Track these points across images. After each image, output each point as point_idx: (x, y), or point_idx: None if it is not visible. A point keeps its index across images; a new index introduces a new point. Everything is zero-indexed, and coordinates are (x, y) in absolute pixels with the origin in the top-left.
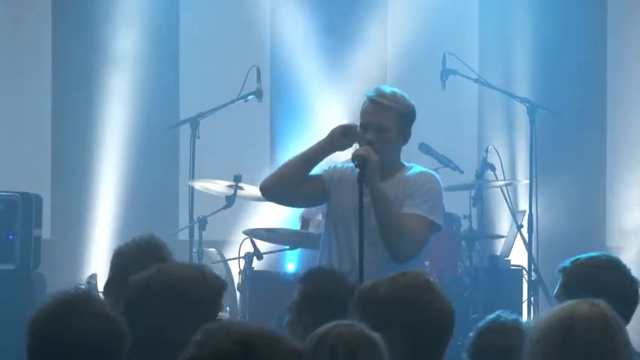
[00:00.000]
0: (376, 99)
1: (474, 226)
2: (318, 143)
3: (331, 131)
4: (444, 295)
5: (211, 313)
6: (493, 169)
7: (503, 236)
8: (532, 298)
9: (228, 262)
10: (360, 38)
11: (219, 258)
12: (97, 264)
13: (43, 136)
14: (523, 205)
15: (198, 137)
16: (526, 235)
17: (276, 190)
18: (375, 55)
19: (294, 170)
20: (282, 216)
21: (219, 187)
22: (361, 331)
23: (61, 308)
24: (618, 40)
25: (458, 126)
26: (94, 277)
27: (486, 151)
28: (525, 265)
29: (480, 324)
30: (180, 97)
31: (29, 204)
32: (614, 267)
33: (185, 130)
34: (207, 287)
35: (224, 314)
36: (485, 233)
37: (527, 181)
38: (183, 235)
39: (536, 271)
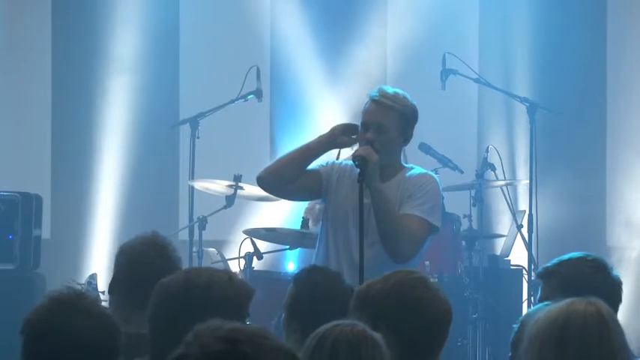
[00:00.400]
0: (378, 99)
1: (474, 226)
2: (318, 138)
3: (332, 127)
4: (438, 292)
5: (238, 319)
6: (493, 169)
7: (503, 236)
8: (532, 298)
9: (228, 262)
10: (360, 38)
11: (219, 258)
12: (97, 264)
13: (43, 137)
14: (523, 205)
15: (198, 137)
16: (526, 235)
17: (272, 181)
18: (374, 55)
19: (292, 163)
20: (282, 216)
21: (219, 187)
22: (362, 331)
23: (54, 307)
24: (618, 40)
25: (458, 126)
26: (94, 277)
27: (486, 151)
28: (525, 265)
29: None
30: (180, 97)
31: (29, 204)
32: (599, 267)
33: (185, 130)
34: (235, 293)
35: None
36: (485, 233)
37: (527, 181)
38: (183, 235)
39: (537, 270)
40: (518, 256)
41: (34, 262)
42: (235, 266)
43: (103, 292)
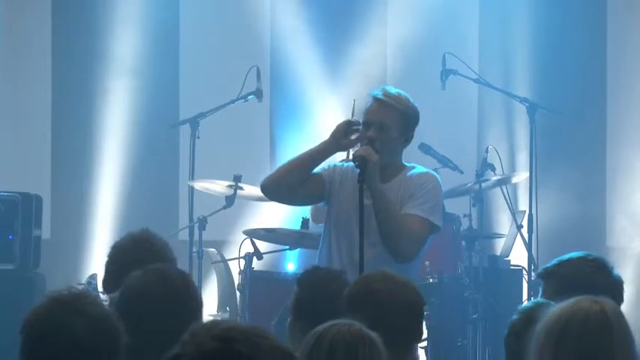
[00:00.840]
0: (380, 97)
1: (474, 226)
2: (321, 144)
3: (333, 131)
4: (407, 285)
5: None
6: (493, 169)
7: (503, 236)
8: (532, 298)
9: (228, 262)
10: (360, 38)
11: (219, 258)
12: (97, 264)
13: (43, 137)
14: (523, 205)
15: (198, 137)
16: (526, 236)
17: (277, 189)
18: (374, 55)
19: (296, 170)
20: (282, 216)
21: (219, 187)
22: (359, 330)
23: (54, 308)
24: (618, 40)
25: (458, 126)
26: (94, 277)
27: (486, 151)
28: (525, 265)
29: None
30: (180, 97)
31: (29, 204)
32: (599, 267)
33: (185, 130)
34: (171, 291)
35: (225, 314)
36: (485, 233)
37: (527, 174)
38: (183, 235)
39: (536, 271)
40: (518, 257)
41: (34, 262)
42: (235, 266)
43: (102, 292)
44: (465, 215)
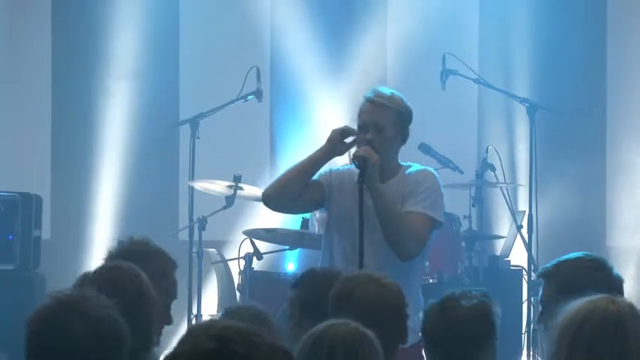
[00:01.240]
0: (375, 99)
1: (474, 227)
2: (318, 150)
3: (329, 136)
4: (384, 285)
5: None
6: (493, 169)
7: (503, 236)
8: (532, 299)
9: (228, 262)
10: (360, 38)
11: (219, 258)
12: (97, 264)
13: (43, 136)
14: (523, 205)
15: (198, 137)
16: (526, 235)
17: (281, 198)
18: (375, 56)
19: (297, 178)
20: (282, 216)
21: (219, 187)
22: (356, 329)
23: (57, 308)
24: (618, 40)
25: (458, 126)
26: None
27: (486, 151)
28: (525, 265)
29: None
30: (180, 97)
31: (29, 204)
32: (598, 266)
33: (185, 130)
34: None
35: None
36: (485, 233)
37: (527, 182)
38: (183, 236)
39: (536, 271)
40: (518, 257)
41: (34, 262)
42: (235, 266)
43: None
44: (465, 216)
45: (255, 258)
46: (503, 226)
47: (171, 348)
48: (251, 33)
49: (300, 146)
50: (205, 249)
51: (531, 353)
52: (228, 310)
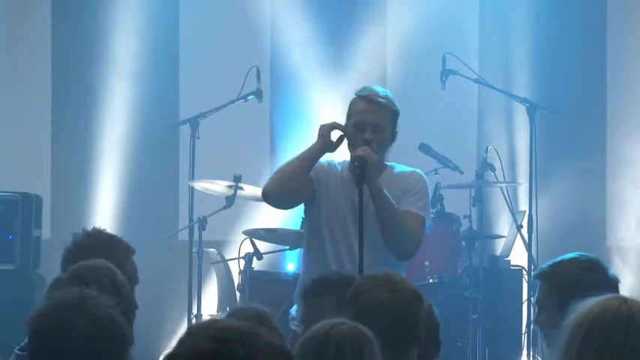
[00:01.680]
0: (372, 98)
1: (474, 226)
2: (312, 146)
3: (320, 132)
4: (402, 293)
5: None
6: (493, 169)
7: (503, 236)
8: (532, 298)
9: (228, 262)
10: (360, 38)
11: (219, 258)
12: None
13: (43, 137)
14: (523, 205)
15: (198, 137)
16: (526, 235)
17: (281, 196)
18: (375, 55)
19: (295, 175)
20: (282, 216)
21: (219, 187)
22: (358, 328)
23: (60, 307)
24: (618, 40)
25: (458, 126)
26: None
27: (486, 151)
28: (525, 265)
29: None
30: (180, 97)
31: (29, 204)
32: (592, 267)
33: (185, 130)
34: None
35: (224, 315)
36: (485, 233)
37: (527, 181)
38: (183, 235)
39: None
40: (518, 257)
41: (34, 262)
42: (235, 266)
43: None
44: (465, 216)
45: (255, 258)
46: (504, 225)
47: (170, 348)
48: (251, 33)
49: (300, 146)
50: (205, 249)
51: (531, 353)
52: (232, 310)
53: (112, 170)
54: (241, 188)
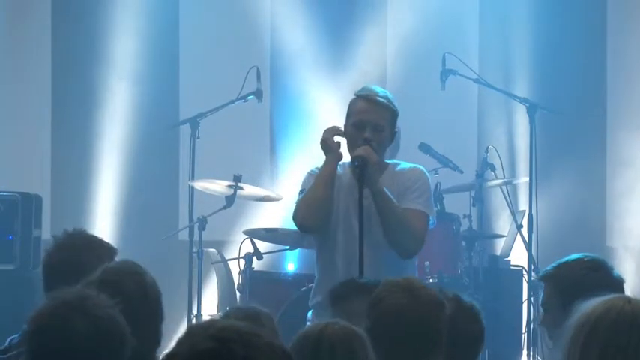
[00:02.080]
0: (372, 97)
1: (474, 226)
2: (326, 164)
3: (326, 146)
4: (425, 297)
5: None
6: (493, 169)
7: (503, 236)
8: (532, 298)
9: (228, 262)
10: (360, 38)
11: (219, 258)
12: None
13: (43, 137)
14: (523, 205)
15: (198, 137)
16: (526, 235)
17: (320, 222)
18: (374, 55)
19: (325, 199)
20: (282, 216)
21: (219, 187)
22: (350, 328)
23: (60, 307)
24: (618, 40)
25: (458, 126)
26: None
27: (486, 151)
28: (525, 265)
29: None
30: (180, 97)
31: (29, 204)
32: (597, 267)
33: (185, 130)
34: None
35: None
36: (485, 233)
37: (527, 181)
38: (183, 235)
39: (536, 271)
40: (518, 257)
41: (34, 262)
42: (235, 266)
43: None
44: (465, 216)
45: (255, 258)
46: (504, 225)
47: (170, 348)
48: (251, 33)
49: (300, 146)
50: (205, 249)
51: (531, 353)
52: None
53: (112, 170)
54: (241, 188)
